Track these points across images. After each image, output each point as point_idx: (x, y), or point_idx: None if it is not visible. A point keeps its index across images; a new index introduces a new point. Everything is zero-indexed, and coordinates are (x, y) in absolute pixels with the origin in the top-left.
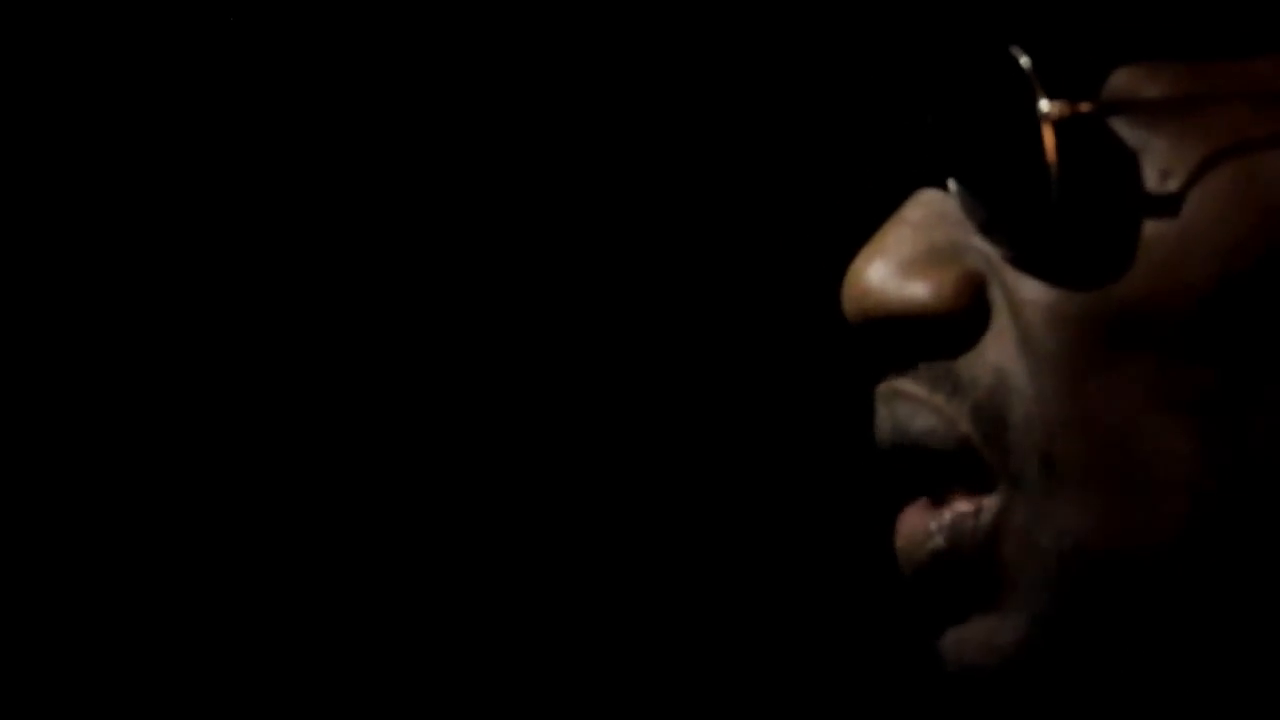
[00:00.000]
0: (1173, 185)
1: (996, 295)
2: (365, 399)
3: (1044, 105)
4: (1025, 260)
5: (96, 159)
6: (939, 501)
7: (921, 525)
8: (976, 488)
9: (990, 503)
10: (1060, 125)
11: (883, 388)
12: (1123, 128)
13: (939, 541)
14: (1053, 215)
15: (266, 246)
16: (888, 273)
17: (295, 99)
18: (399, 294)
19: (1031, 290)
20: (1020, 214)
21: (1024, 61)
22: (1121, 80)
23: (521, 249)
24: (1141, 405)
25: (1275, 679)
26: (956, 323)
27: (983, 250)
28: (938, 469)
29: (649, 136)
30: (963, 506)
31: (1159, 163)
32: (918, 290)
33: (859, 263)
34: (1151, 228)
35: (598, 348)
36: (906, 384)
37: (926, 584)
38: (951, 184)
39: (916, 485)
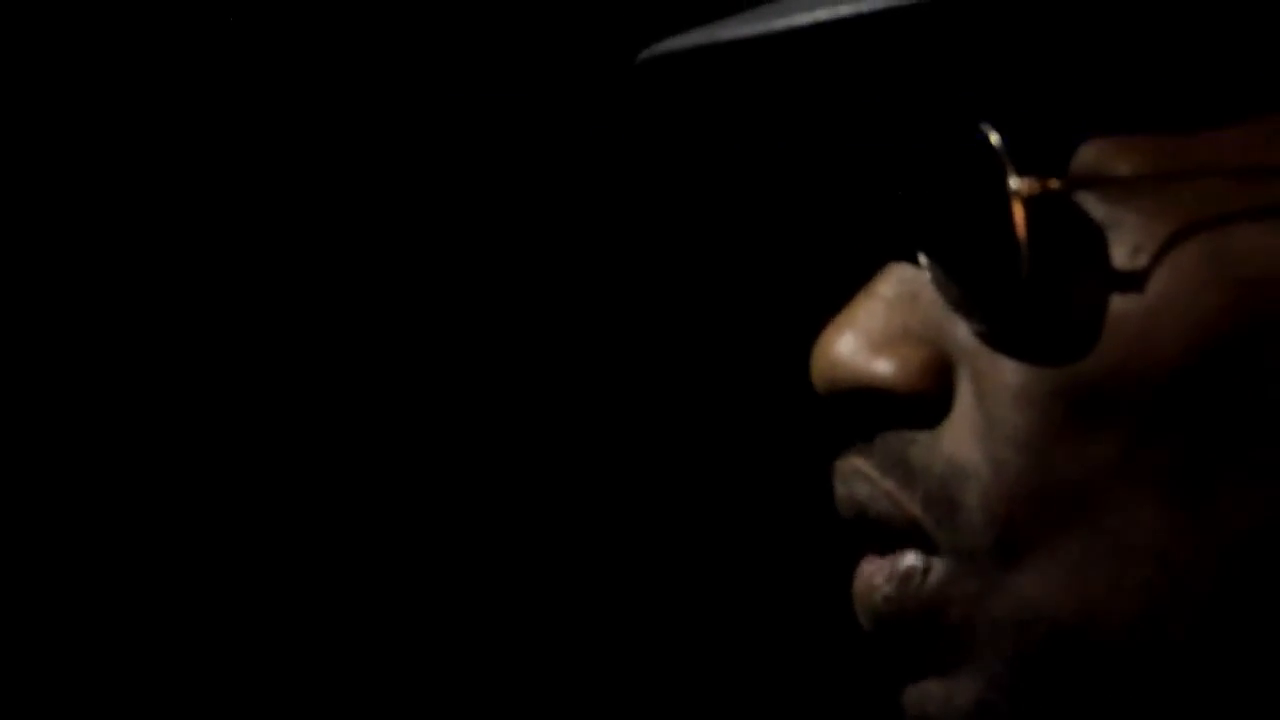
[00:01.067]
0: (1142, 261)
1: (963, 381)
2: (365, 399)
3: (1014, 182)
4: (996, 336)
5: (97, 159)
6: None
7: (874, 572)
8: (929, 553)
9: (939, 566)
10: (1030, 202)
11: (841, 464)
12: (1092, 203)
13: (887, 590)
14: (1023, 291)
15: (266, 246)
16: (857, 346)
17: (295, 99)
18: (398, 294)
19: (1001, 374)
20: (991, 290)
21: (994, 138)
22: (1091, 155)
23: (514, 254)
24: (1108, 477)
25: None
26: (920, 403)
27: (954, 333)
28: (892, 538)
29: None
30: (913, 560)
31: (1129, 238)
32: (885, 368)
33: (829, 334)
34: (1121, 303)
35: (591, 352)
36: (862, 463)
37: (881, 633)
38: (922, 259)
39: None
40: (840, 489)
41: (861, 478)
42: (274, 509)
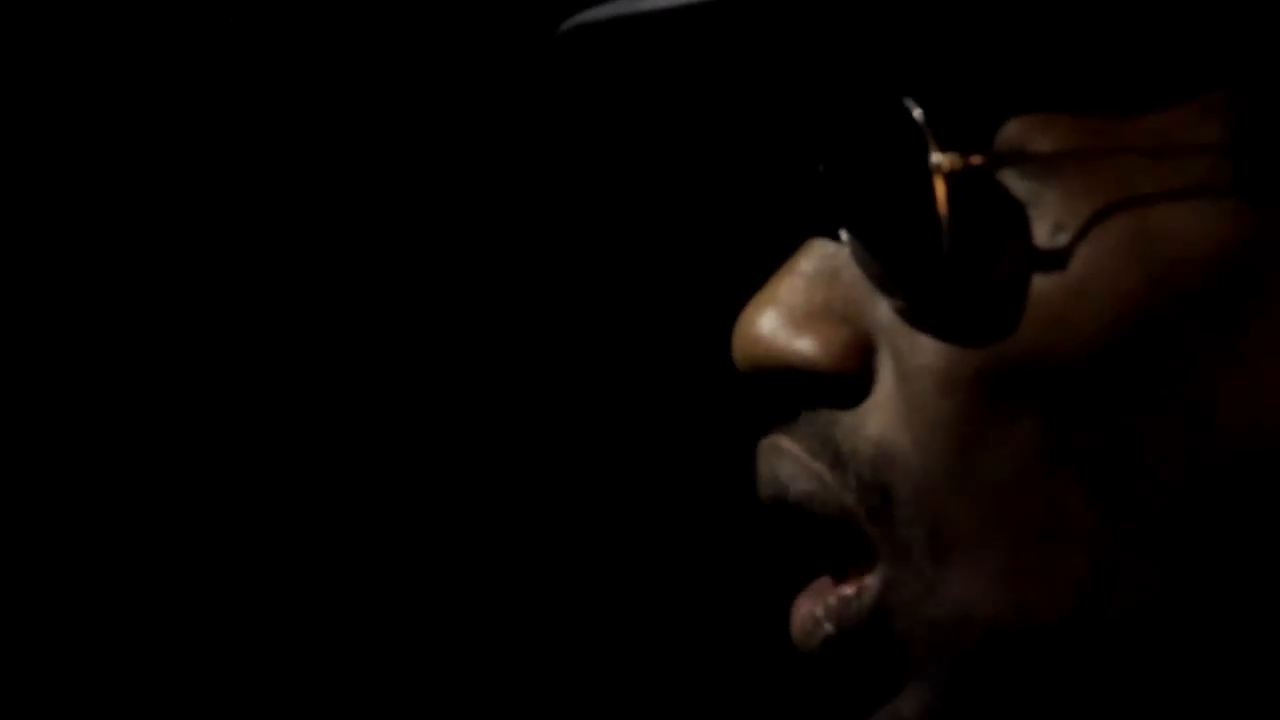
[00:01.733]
0: (1063, 239)
1: (885, 362)
2: (364, 399)
3: (935, 158)
4: (916, 314)
5: (97, 159)
6: (828, 583)
7: (810, 613)
8: (860, 559)
9: (872, 581)
10: (952, 178)
11: (765, 442)
12: (1014, 181)
13: (828, 629)
14: (944, 269)
15: (266, 246)
16: (778, 324)
17: (295, 99)
18: (398, 294)
19: (922, 355)
20: (911, 267)
21: (916, 113)
22: (1013, 131)
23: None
24: (1032, 463)
25: None
26: (841, 382)
27: (874, 313)
28: (820, 530)
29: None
30: (845, 590)
31: (1050, 216)
32: (806, 345)
33: (750, 311)
34: (1042, 282)
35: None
36: (786, 442)
37: (826, 669)
38: (844, 235)
39: (803, 544)
40: (763, 467)
41: (786, 456)
42: (274, 509)
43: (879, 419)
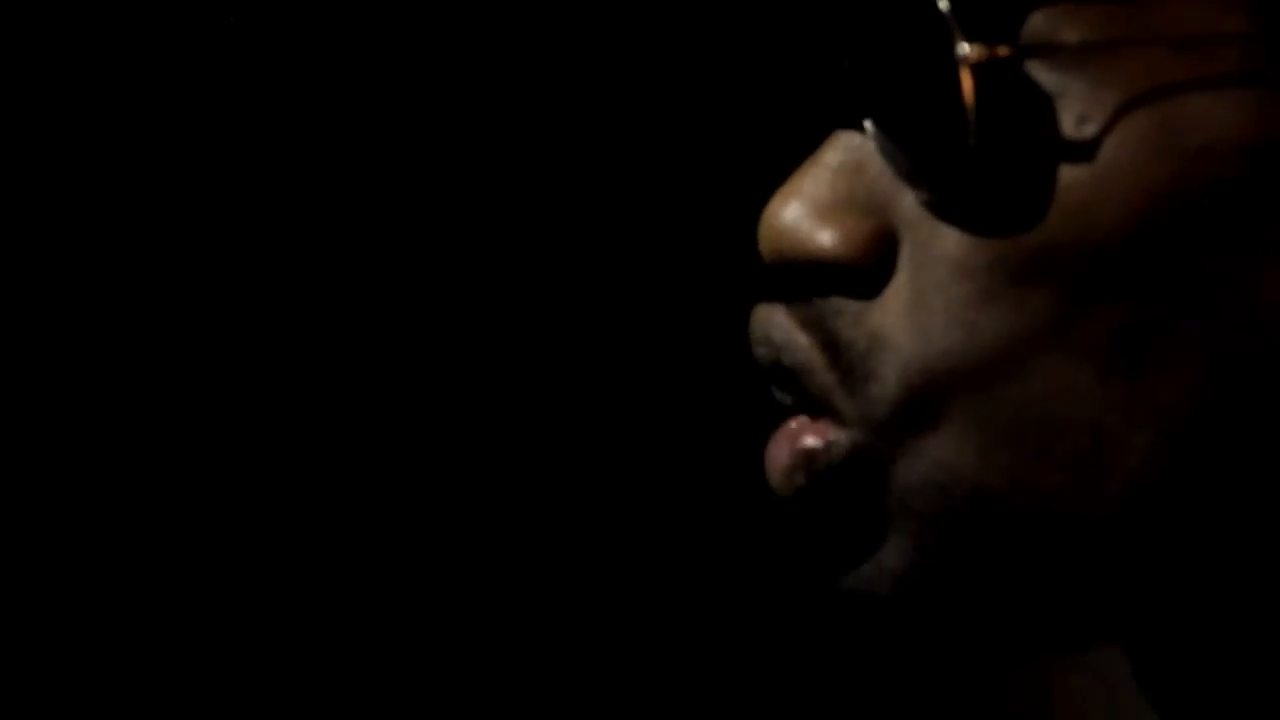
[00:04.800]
0: (1089, 130)
1: (905, 256)
2: (364, 399)
3: (962, 48)
4: (941, 205)
5: (97, 159)
6: (794, 430)
7: (781, 458)
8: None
9: (840, 438)
10: (978, 69)
11: (760, 310)
12: (1040, 71)
13: (799, 479)
14: (970, 159)
15: (266, 247)
16: (802, 215)
17: (295, 99)
18: (398, 294)
19: (943, 245)
20: (937, 158)
21: (942, 4)
22: (1040, 22)
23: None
24: (1041, 343)
25: (1172, 613)
26: (859, 275)
27: (899, 204)
28: (804, 399)
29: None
30: (811, 441)
31: (1076, 107)
32: (828, 237)
33: (775, 203)
34: (1067, 173)
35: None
36: (782, 315)
37: (801, 513)
38: (869, 127)
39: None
40: (756, 329)
41: (778, 325)
42: (274, 509)
43: (883, 309)
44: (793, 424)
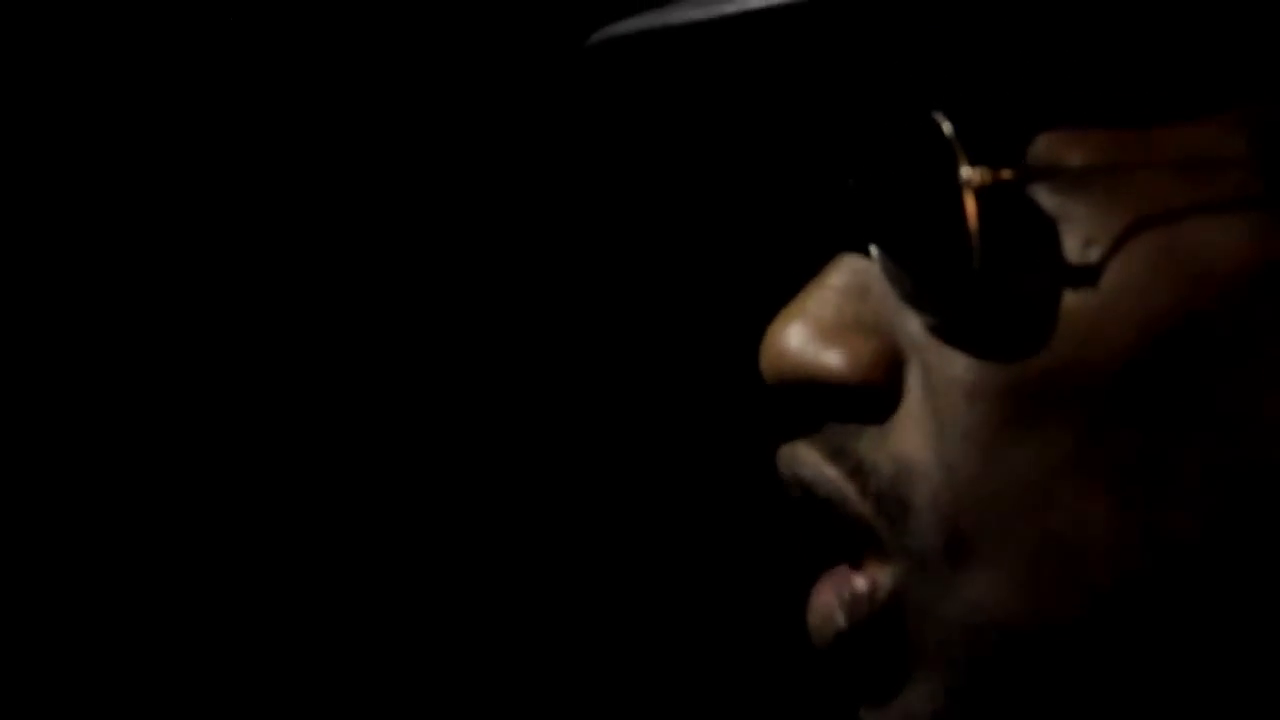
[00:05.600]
0: (1094, 255)
1: (913, 377)
2: (364, 399)
3: (965, 172)
4: (946, 329)
5: (97, 159)
6: (844, 573)
7: (826, 604)
8: (877, 556)
9: (884, 579)
10: (982, 193)
11: (785, 448)
12: (1045, 195)
13: (840, 622)
14: (974, 283)
15: (266, 246)
16: (806, 337)
17: (295, 99)
18: (398, 294)
19: (952, 369)
20: (942, 281)
21: (946, 128)
22: (1044, 146)
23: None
24: (1058, 474)
25: None
26: (869, 396)
27: (905, 327)
28: (841, 525)
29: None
30: (860, 585)
31: (1081, 231)
32: (834, 359)
33: (778, 324)
34: (1073, 297)
35: (540, 343)
36: (806, 450)
37: (837, 660)
38: (873, 250)
39: (825, 534)
40: (785, 470)
41: (807, 464)
42: (274, 509)
43: (902, 434)
44: (839, 571)
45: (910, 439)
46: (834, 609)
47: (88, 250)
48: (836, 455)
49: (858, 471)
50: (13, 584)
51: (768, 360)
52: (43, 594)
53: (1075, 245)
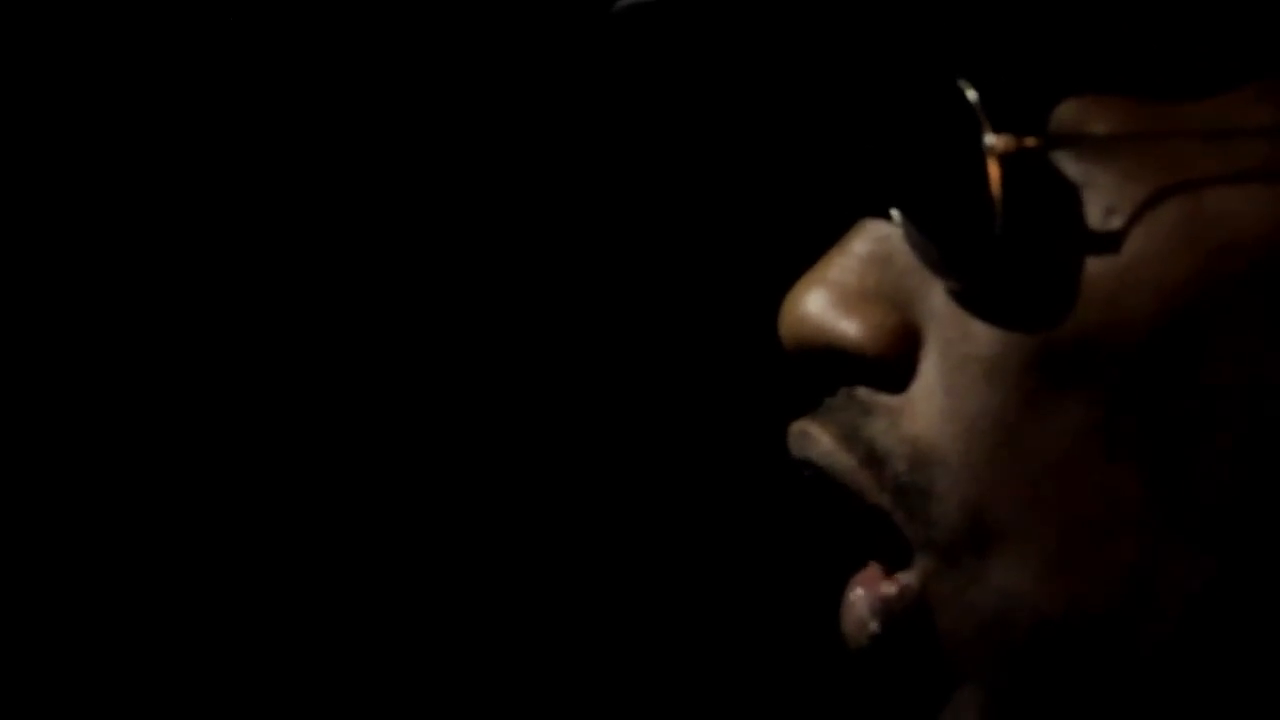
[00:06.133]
0: (1116, 222)
1: (930, 353)
2: (363, 399)
3: (990, 139)
4: (968, 296)
5: (97, 159)
6: (877, 574)
7: (859, 610)
8: (899, 553)
9: (912, 578)
10: (1006, 159)
11: (796, 426)
12: (1068, 162)
13: (874, 627)
14: (996, 249)
15: (267, 246)
16: (826, 304)
17: (295, 99)
18: (398, 294)
19: (972, 344)
20: (964, 247)
21: (970, 94)
22: (1067, 114)
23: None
24: (1082, 448)
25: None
26: (883, 368)
27: (926, 298)
28: (858, 515)
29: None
30: (888, 589)
31: (1104, 199)
32: (852, 327)
33: (798, 290)
34: (1094, 264)
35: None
36: (818, 429)
37: (875, 666)
38: (896, 215)
39: (839, 516)
40: (795, 449)
41: (816, 444)
42: (274, 509)
43: (917, 416)
44: (868, 572)
45: (926, 420)
46: (866, 614)
47: (88, 250)
48: (849, 440)
49: (871, 459)
50: (13, 584)
51: (787, 324)
52: (43, 594)
53: (1098, 213)
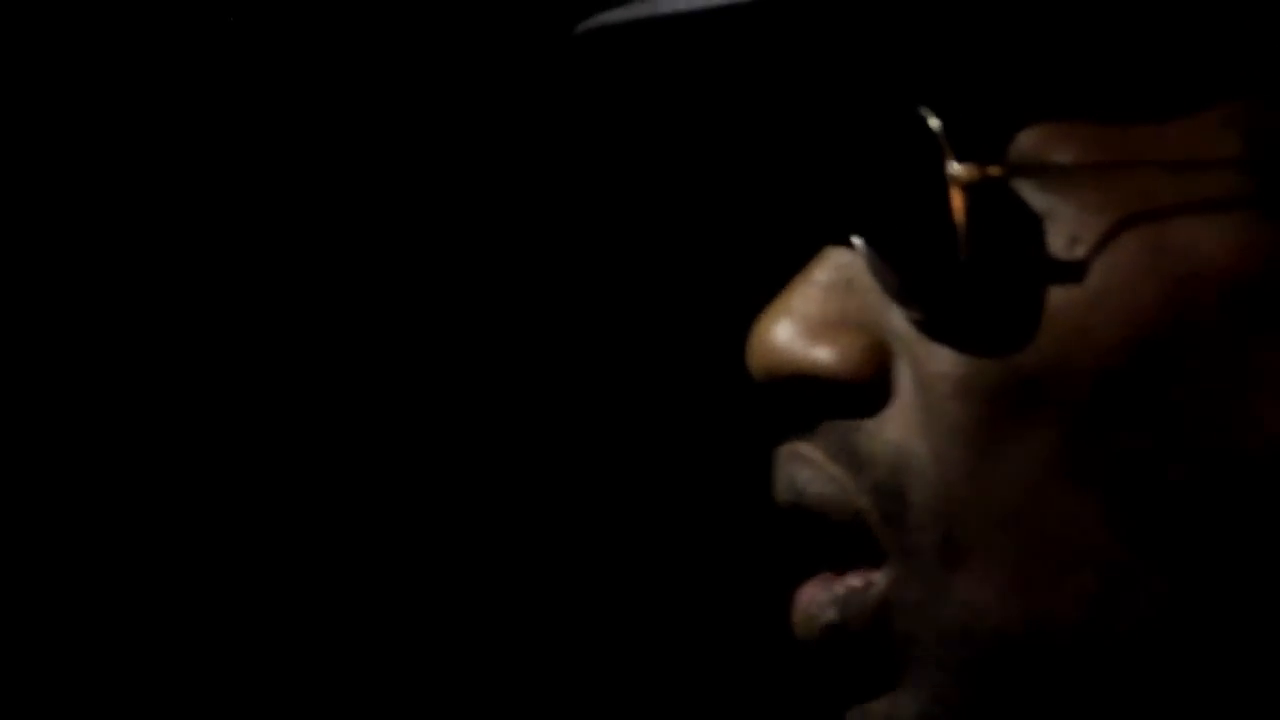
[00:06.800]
0: (1080, 251)
1: (903, 370)
2: (364, 398)
3: (953, 167)
4: (932, 325)
5: (96, 159)
6: (834, 574)
7: (814, 599)
8: (869, 561)
9: (880, 578)
10: (969, 188)
11: (783, 449)
12: (1031, 191)
13: (830, 615)
14: (960, 279)
15: (267, 246)
16: (794, 333)
17: (295, 99)
18: (398, 294)
19: (939, 363)
20: (927, 277)
21: (933, 123)
22: (1030, 141)
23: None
24: (1046, 476)
25: None
26: (859, 391)
27: (890, 323)
28: (832, 535)
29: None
30: (854, 581)
31: (1067, 228)
32: (823, 354)
33: (765, 321)
34: (1058, 294)
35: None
36: (805, 448)
37: (823, 658)
38: (858, 244)
39: (813, 550)
40: (780, 473)
41: (804, 461)
42: (274, 509)
43: (897, 424)
44: (824, 574)
45: (905, 431)
46: (823, 604)
47: (88, 250)
48: (835, 452)
49: (855, 465)
50: (13, 584)
51: (755, 357)
52: (43, 594)
53: (1062, 243)
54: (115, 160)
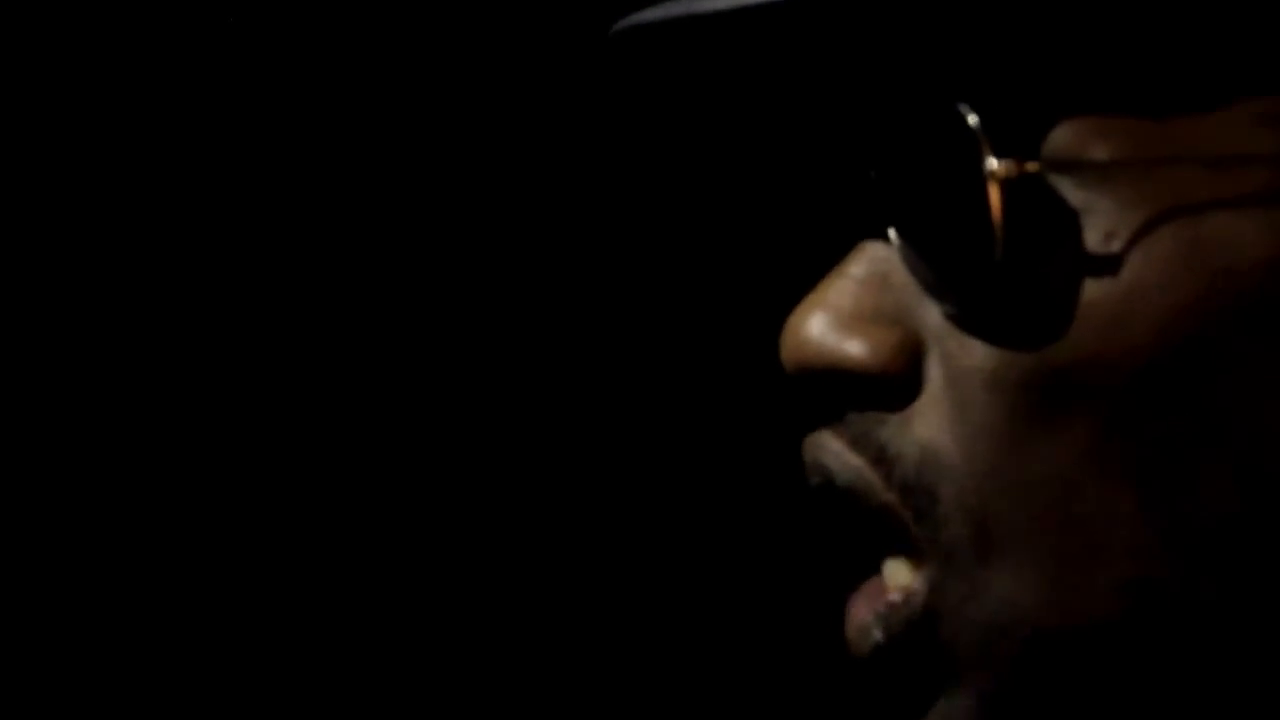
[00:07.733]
0: (1116, 246)
1: (934, 366)
2: (364, 398)
3: (990, 163)
4: (967, 319)
5: (97, 159)
6: (876, 586)
7: (863, 618)
8: (905, 549)
9: (919, 585)
10: (1006, 184)
11: (811, 438)
12: (1068, 187)
13: (877, 635)
14: (996, 274)
15: (267, 246)
16: (827, 326)
17: (295, 99)
18: (398, 294)
19: (972, 358)
20: (963, 272)
21: (971, 119)
22: (1067, 138)
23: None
24: (1080, 469)
25: None
26: (890, 385)
27: (924, 315)
28: (864, 518)
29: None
30: (894, 597)
31: (1103, 223)
32: (855, 348)
33: (799, 314)
34: (1094, 289)
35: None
36: (828, 437)
37: (875, 673)
38: (894, 238)
39: (850, 530)
40: (808, 458)
41: (826, 450)
42: (274, 509)
43: (925, 421)
44: (873, 583)
45: (933, 426)
46: (870, 623)
47: (88, 250)
48: (858, 442)
49: (881, 459)
50: (12, 584)
51: (788, 349)
52: (43, 594)
53: (1098, 238)
54: (115, 160)
